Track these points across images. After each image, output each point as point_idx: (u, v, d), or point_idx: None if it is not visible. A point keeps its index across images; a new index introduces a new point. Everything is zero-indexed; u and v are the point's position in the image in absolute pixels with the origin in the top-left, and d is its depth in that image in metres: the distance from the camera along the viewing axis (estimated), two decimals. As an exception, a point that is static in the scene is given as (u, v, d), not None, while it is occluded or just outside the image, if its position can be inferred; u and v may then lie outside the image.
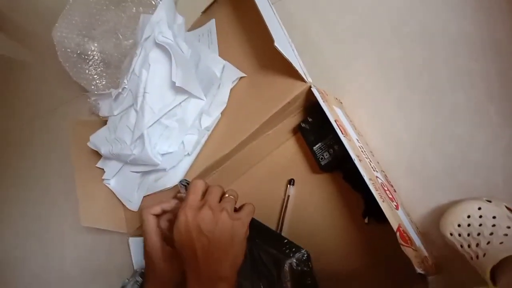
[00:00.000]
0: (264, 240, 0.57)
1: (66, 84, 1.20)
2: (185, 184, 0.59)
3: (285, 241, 0.57)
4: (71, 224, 1.11)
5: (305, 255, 0.58)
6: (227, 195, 0.53)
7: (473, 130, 0.56)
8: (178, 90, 0.70)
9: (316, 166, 0.67)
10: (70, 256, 1.10)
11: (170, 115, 0.71)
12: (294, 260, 0.58)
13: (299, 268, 0.58)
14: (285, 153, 0.73)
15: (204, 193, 0.52)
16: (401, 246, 0.49)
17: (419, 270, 0.47)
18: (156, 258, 0.55)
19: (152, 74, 0.70)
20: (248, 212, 0.52)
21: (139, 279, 0.59)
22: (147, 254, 0.56)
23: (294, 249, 0.58)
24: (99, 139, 0.79)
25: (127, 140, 0.73)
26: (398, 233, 0.49)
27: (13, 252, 1.24)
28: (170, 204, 0.59)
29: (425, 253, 0.53)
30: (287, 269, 0.58)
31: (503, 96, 0.55)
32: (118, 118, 0.77)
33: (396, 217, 0.52)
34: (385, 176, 0.61)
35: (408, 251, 0.48)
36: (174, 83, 0.67)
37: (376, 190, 0.52)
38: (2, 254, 1.26)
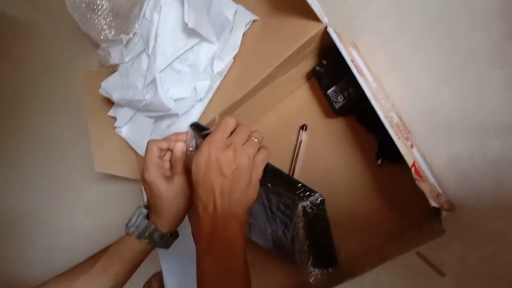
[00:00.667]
0: (278, 184, 0.57)
1: (74, 39, 1.20)
2: (195, 127, 0.58)
3: (299, 185, 0.57)
4: (83, 176, 1.13)
5: (319, 199, 0.58)
6: (252, 138, 0.53)
7: (492, 70, 0.55)
8: (190, 33, 0.68)
9: (330, 111, 0.66)
10: (82, 207, 1.12)
11: (182, 60, 0.70)
12: (308, 203, 0.58)
13: (313, 211, 0.58)
14: (298, 99, 0.73)
15: (232, 132, 0.52)
16: (416, 181, 0.49)
17: (433, 204, 0.47)
18: (155, 188, 0.56)
19: (164, 17, 0.69)
20: (264, 158, 0.52)
21: (144, 210, 0.60)
22: (145, 182, 0.57)
23: (308, 193, 0.58)
24: (110, 86, 0.78)
25: (139, 86, 0.73)
26: (413, 168, 0.49)
27: (26, 206, 1.27)
28: (176, 145, 0.58)
29: (439, 190, 0.53)
30: (300, 211, 0.59)
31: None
32: (129, 64, 0.76)
33: (411, 154, 0.52)
34: (400, 118, 0.61)
35: (423, 185, 0.49)
36: (186, 26, 0.66)
37: (392, 128, 0.52)
38: (17, 209, 1.29)
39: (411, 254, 0.59)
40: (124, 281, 0.60)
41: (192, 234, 0.72)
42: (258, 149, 0.53)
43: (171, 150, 0.59)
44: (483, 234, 0.55)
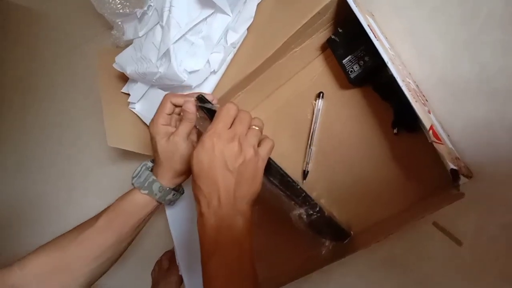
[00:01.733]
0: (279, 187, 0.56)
1: (87, 24, 1.21)
2: (200, 100, 0.56)
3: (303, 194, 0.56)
4: (95, 158, 1.13)
5: (317, 208, 0.57)
6: (253, 126, 0.51)
7: (510, 37, 0.54)
8: (204, 4, 0.68)
9: (345, 81, 0.65)
10: (94, 188, 1.13)
11: (196, 31, 0.70)
12: (303, 211, 0.58)
13: (309, 217, 0.58)
14: (313, 72, 0.72)
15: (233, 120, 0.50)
16: (434, 144, 0.48)
17: (452, 166, 0.46)
18: (154, 142, 0.57)
19: (179, -12, 0.68)
20: (269, 149, 0.51)
21: (149, 164, 0.61)
22: (150, 134, 0.58)
23: (306, 201, 0.57)
24: (124, 59, 0.78)
25: (153, 58, 0.73)
26: (431, 131, 0.48)
27: (38, 190, 1.28)
28: (186, 104, 0.56)
29: (457, 155, 0.52)
30: (297, 216, 0.58)
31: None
32: (143, 37, 0.76)
33: (428, 118, 0.51)
34: (417, 86, 0.60)
35: (441, 147, 0.48)
36: (200, -4, 0.66)
37: (409, 91, 0.51)
38: (28, 193, 1.31)
39: (427, 224, 0.58)
40: (129, 237, 0.59)
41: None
42: (263, 140, 0.51)
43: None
44: (502, 202, 0.54)
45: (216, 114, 0.50)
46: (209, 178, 0.47)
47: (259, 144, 0.50)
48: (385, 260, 0.64)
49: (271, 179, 0.54)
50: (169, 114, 0.58)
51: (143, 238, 0.99)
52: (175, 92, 0.76)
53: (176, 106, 0.58)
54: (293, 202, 0.56)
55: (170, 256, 0.88)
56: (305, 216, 0.57)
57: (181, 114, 0.57)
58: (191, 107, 0.56)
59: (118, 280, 1.02)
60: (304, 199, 0.56)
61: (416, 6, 0.61)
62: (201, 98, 0.56)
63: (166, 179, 0.58)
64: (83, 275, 0.55)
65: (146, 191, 0.58)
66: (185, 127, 0.56)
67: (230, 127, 0.49)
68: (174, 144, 0.56)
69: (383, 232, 0.55)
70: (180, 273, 0.78)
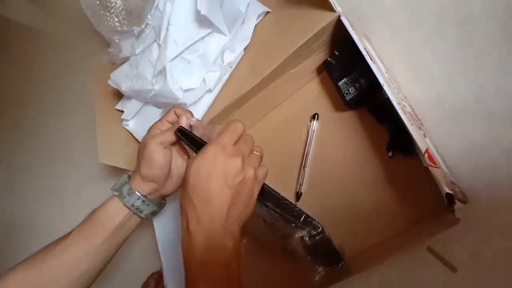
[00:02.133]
0: (274, 208, 0.55)
1: (85, 40, 1.21)
2: (182, 133, 0.55)
3: (297, 209, 0.55)
4: (87, 176, 1.12)
5: (318, 229, 0.56)
6: (255, 151, 0.50)
7: (507, 59, 0.54)
8: (202, 23, 0.68)
9: (341, 103, 0.65)
10: (85, 207, 1.10)
11: (193, 50, 0.70)
12: (306, 233, 0.56)
13: (312, 238, 0.56)
14: (309, 93, 0.72)
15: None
16: (429, 167, 0.48)
17: (447, 190, 0.45)
18: (148, 147, 0.55)
19: (177, 7, 0.69)
20: (265, 174, 0.50)
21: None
22: (142, 144, 0.57)
23: (306, 221, 0.55)
24: (119, 76, 0.78)
25: (149, 76, 0.73)
26: (426, 155, 0.48)
27: (28, 209, 1.26)
28: (182, 118, 0.56)
29: (452, 179, 0.52)
30: (298, 239, 0.57)
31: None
32: (140, 55, 0.76)
33: (424, 141, 0.50)
34: (412, 109, 0.60)
35: (437, 171, 0.47)
36: (198, 16, 0.66)
37: (405, 114, 0.50)
38: (19, 214, 1.28)
39: (422, 250, 0.57)
40: (105, 249, 0.56)
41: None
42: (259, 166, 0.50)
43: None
44: (498, 227, 0.53)
45: (223, 128, 0.49)
46: (204, 191, 0.44)
47: None
48: (379, 286, 0.62)
49: (267, 203, 0.52)
50: (170, 123, 0.57)
51: (129, 258, 0.97)
52: (170, 110, 0.75)
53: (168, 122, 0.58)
54: (293, 225, 0.55)
55: (157, 277, 0.85)
56: (307, 238, 0.55)
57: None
58: (183, 120, 0.55)
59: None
60: (305, 220, 0.55)
61: (413, 29, 0.62)
62: (183, 132, 0.54)
63: (135, 181, 0.57)
64: None
65: (117, 193, 0.56)
66: (168, 135, 0.55)
67: (235, 144, 0.48)
68: (147, 145, 0.55)
69: (377, 257, 0.54)
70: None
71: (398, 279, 0.60)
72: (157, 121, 0.58)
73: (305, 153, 0.70)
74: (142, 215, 0.59)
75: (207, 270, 0.43)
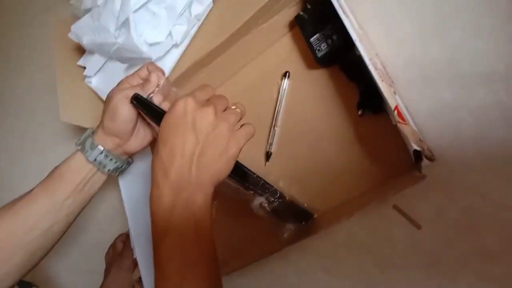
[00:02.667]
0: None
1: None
2: (138, 101, 0.52)
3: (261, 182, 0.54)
4: (51, 135, 1.07)
5: (276, 196, 0.55)
6: (233, 107, 0.48)
7: (480, 17, 0.53)
8: (168, -29, 0.64)
9: (312, 61, 0.64)
10: (49, 167, 1.06)
11: (158, 1, 0.66)
12: (264, 200, 0.55)
13: (271, 204, 0.55)
14: (280, 50, 0.70)
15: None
16: (398, 124, 0.47)
17: (415, 147, 0.45)
18: (114, 102, 0.52)
19: (141, -48, 0.64)
20: (247, 133, 0.47)
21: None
22: (109, 98, 0.54)
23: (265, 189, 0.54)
24: (81, 29, 0.73)
25: (111, 28, 0.68)
26: (395, 111, 0.47)
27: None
28: (152, 76, 0.54)
29: (421, 136, 0.51)
30: (257, 205, 0.56)
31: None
32: (102, 5, 0.71)
33: (393, 98, 0.50)
34: (384, 67, 0.58)
35: (405, 128, 0.47)
36: (164, -37, 0.62)
37: (376, 70, 0.49)
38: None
39: (388, 207, 0.58)
40: (68, 206, 0.55)
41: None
42: (243, 124, 0.48)
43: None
44: (463, 185, 0.54)
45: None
46: (171, 141, 0.42)
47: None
48: (346, 242, 0.63)
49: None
50: (142, 79, 0.56)
51: (96, 219, 0.95)
52: (134, 66, 0.71)
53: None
54: (252, 192, 0.54)
55: (124, 238, 0.84)
56: (266, 204, 0.55)
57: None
58: (154, 78, 0.54)
59: (69, 262, 0.98)
60: (263, 187, 0.53)
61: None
62: (137, 98, 0.51)
63: (98, 135, 0.55)
64: (18, 252, 0.51)
65: (80, 147, 0.55)
66: (133, 89, 0.52)
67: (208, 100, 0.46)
68: (113, 97, 0.53)
69: (344, 214, 0.55)
70: (134, 257, 0.74)
71: (365, 235, 0.61)
72: (129, 74, 0.56)
73: (276, 112, 0.68)
74: (106, 171, 0.57)
75: (174, 225, 0.41)
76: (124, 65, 0.72)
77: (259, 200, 0.55)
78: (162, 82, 0.54)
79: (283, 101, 0.68)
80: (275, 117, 0.68)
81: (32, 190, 0.54)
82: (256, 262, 0.62)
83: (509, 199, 0.52)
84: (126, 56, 0.69)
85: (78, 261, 0.98)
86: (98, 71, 0.78)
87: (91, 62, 0.77)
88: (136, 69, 0.71)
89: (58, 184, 0.54)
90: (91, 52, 0.77)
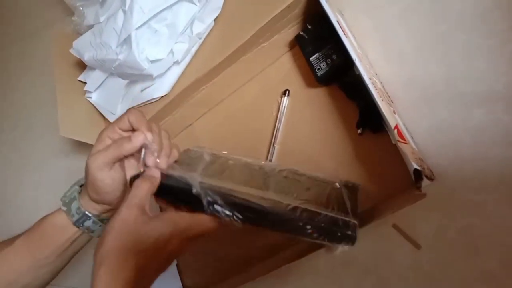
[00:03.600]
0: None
1: (48, 7, 1.14)
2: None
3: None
4: (49, 149, 1.07)
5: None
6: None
7: (478, 38, 0.54)
8: (170, -10, 0.65)
9: (312, 79, 0.64)
10: (45, 181, 1.06)
11: (160, 19, 0.67)
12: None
13: None
14: (280, 68, 0.70)
15: None
16: (398, 143, 0.47)
17: (415, 166, 0.45)
18: (93, 172, 0.46)
19: (144, -29, 0.65)
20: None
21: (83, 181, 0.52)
22: (88, 165, 0.47)
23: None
24: (82, 45, 0.74)
25: (113, 45, 0.69)
26: (395, 130, 0.48)
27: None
28: (136, 136, 0.46)
29: (421, 156, 0.52)
30: None
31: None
32: (104, 22, 0.72)
33: (393, 117, 0.50)
34: (383, 87, 0.59)
35: (405, 147, 0.47)
36: (166, -18, 0.63)
37: (375, 90, 0.50)
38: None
39: (387, 226, 0.58)
40: (49, 264, 0.51)
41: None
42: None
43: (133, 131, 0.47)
44: (462, 205, 0.54)
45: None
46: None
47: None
48: (344, 261, 0.62)
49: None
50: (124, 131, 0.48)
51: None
52: (135, 82, 0.72)
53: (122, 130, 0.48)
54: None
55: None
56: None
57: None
58: (138, 140, 0.45)
59: (63, 278, 0.96)
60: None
61: (387, 5, 0.61)
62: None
63: (85, 200, 0.50)
64: None
65: (65, 208, 0.50)
66: (112, 152, 0.46)
67: None
68: (88, 168, 0.47)
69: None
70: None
71: (364, 254, 0.60)
72: (108, 127, 0.48)
73: (275, 129, 0.68)
74: (94, 235, 0.53)
75: None
76: (125, 82, 0.73)
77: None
78: (149, 138, 0.46)
79: (283, 119, 0.68)
80: (274, 135, 0.68)
81: (14, 241, 0.50)
82: (253, 280, 0.62)
83: (509, 220, 0.52)
84: (127, 73, 0.69)
85: (73, 277, 0.97)
86: (98, 86, 0.78)
87: (92, 78, 0.78)
88: (137, 86, 0.72)
89: (40, 242, 0.50)
90: (92, 68, 0.78)
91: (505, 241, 0.52)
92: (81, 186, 0.52)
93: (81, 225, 0.51)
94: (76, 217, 0.50)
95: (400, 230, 0.57)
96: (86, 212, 0.50)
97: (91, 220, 0.51)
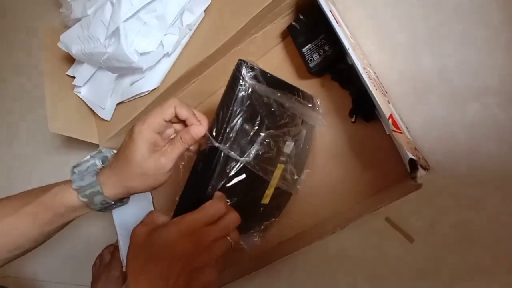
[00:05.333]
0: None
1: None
2: None
3: None
4: (38, 145, 1.05)
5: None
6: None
7: (473, 31, 0.53)
8: (159, -19, 0.64)
9: (304, 71, 0.63)
10: (36, 178, 1.04)
11: (149, 10, 0.65)
12: None
13: None
14: (272, 60, 0.69)
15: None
16: (393, 133, 0.46)
17: (410, 155, 0.44)
18: (134, 147, 0.46)
19: (131, -38, 0.64)
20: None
21: (98, 163, 0.52)
22: (131, 133, 0.47)
23: None
24: (70, 38, 0.72)
25: (101, 37, 0.67)
26: (390, 120, 0.47)
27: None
28: (193, 127, 0.48)
29: (416, 146, 0.51)
30: None
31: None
32: (92, 15, 0.70)
33: (388, 107, 0.49)
34: (377, 77, 0.58)
35: (400, 136, 0.46)
36: (155, -27, 0.62)
37: (369, 79, 0.49)
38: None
39: (380, 219, 0.57)
40: (51, 233, 0.53)
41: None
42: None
43: (185, 125, 0.50)
44: (455, 200, 0.53)
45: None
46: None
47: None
48: (337, 254, 0.62)
49: None
50: (167, 122, 0.48)
51: (85, 229, 0.92)
52: (124, 76, 0.71)
53: (177, 117, 0.49)
54: None
55: (112, 250, 0.82)
56: None
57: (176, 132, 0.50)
58: (199, 131, 0.48)
59: (55, 274, 0.95)
60: None
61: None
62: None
63: (114, 192, 0.50)
64: None
65: (86, 200, 0.50)
66: (178, 150, 0.48)
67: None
68: (157, 164, 0.47)
69: (336, 226, 0.53)
70: (123, 270, 0.72)
71: (357, 248, 0.60)
72: (152, 118, 0.47)
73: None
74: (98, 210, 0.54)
75: None
76: (114, 75, 0.71)
77: None
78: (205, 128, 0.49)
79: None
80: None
81: (21, 209, 0.50)
82: (247, 275, 0.61)
83: (502, 214, 0.51)
84: (116, 66, 0.67)
85: (64, 273, 0.95)
86: (87, 81, 0.76)
87: (80, 72, 0.76)
88: (126, 79, 0.71)
89: (52, 219, 0.51)
90: (80, 62, 0.76)
91: (498, 236, 0.51)
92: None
93: (104, 210, 0.53)
94: (99, 207, 0.51)
95: (393, 223, 0.56)
96: (113, 203, 0.51)
97: (116, 205, 0.53)
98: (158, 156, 0.47)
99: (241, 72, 0.48)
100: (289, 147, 0.54)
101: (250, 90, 0.48)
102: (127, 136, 0.48)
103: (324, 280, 0.63)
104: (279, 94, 0.51)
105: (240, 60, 0.49)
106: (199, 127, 0.48)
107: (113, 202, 0.52)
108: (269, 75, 0.51)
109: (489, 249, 0.52)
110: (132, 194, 0.52)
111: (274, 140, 0.52)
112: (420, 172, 0.46)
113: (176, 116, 0.48)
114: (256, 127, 0.50)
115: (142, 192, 0.51)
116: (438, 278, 0.54)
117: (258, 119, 0.50)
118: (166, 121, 0.48)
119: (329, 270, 0.62)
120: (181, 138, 0.48)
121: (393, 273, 0.57)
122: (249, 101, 0.48)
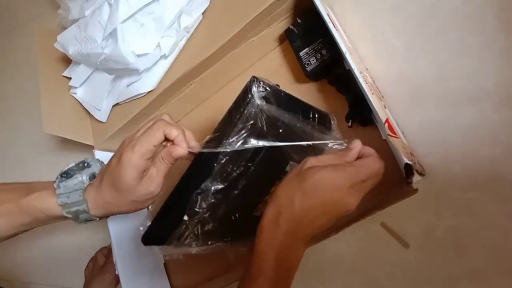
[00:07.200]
0: None
1: (33, 1, 1.12)
2: None
3: None
4: (33, 146, 1.04)
5: None
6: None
7: (468, 37, 0.53)
8: (157, -17, 0.64)
9: (301, 75, 0.63)
10: (30, 178, 1.03)
11: (147, 12, 0.65)
12: None
13: None
14: (270, 63, 0.69)
15: None
16: (389, 137, 0.46)
17: (406, 160, 0.44)
18: (131, 172, 0.45)
19: (130, -36, 0.64)
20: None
21: (85, 178, 0.51)
22: (121, 158, 0.46)
23: None
24: (67, 39, 0.72)
25: (98, 38, 0.67)
26: (386, 124, 0.47)
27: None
28: (177, 148, 0.47)
29: (411, 150, 0.51)
30: None
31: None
32: (89, 15, 0.70)
33: (384, 111, 0.49)
34: (373, 82, 0.58)
35: (396, 141, 0.46)
36: (153, -25, 0.62)
37: (366, 83, 0.49)
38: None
39: (375, 225, 0.57)
40: (23, 232, 0.51)
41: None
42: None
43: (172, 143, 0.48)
44: (451, 204, 0.53)
45: None
46: (320, 204, 0.40)
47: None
48: (332, 259, 0.61)
49: None
50: (155, 146, 0.47)
51: (78, 232, 0.92)
52: (121, 77, 0.70)
53: (166, 138, 0.48)
54: None
55: (106, 252, 0.81)
56: None
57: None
58: (179, 153, 0.47)
59: (48, 277, 0.94)
60: None
61: (377, 1, 0.60)
62: None
63: (100, 212, 0.49)
64: None
65: (70, 216, 0.49)
66: (163, 171, 0.47)
67: None
68: (146, 192, 0.47)
69: (332, 231, 0.53)
70: (116, 273, 0.71)
71: (352, 253, 0.60)
72: (140, 145, 0.46)
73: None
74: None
75: (269, 269, 0.39)
76: (110, 77, 0.71)
77: None
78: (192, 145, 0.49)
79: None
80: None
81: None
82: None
83: (497, 218, 0.51)
84: (113, 67, 0.67)
85: (56, 273, 0.95)
86: (83, 82, 0.76)
87: (77, 73, 0.76)
88: (123, 81, 0.70)
89: (29, 223, 0.49)
90: (77, 63, 0.76)
91: (492, 240, 0.51)
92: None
93: (84, 222, 0.51)
94: (84, 222, 0.50)
95: (388, 228, 0.56)
96: (97, 219, 0.50)
97: (101, 219, 0.51)
98: (147, 185, 0.47)
99: (251, 90, 0.47)
100: (291, 166, 0.52)
101: (257, 109, 0.46)
102: (114, 159, 0.47)
103: (319, 285, 0.62)
104: (290, 117, 0.48)
105: (253, 77, 0.47)
106: (179, 149, 0.47)
107: (98, 219, 0.50)
108: (283, 94, 0.49)
109: (483, 253, 0.52)
110: (116, 213, 0.50)
111: (276, 162, 0.50)
112: (416, 177, 0.46)
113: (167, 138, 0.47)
114: (256, 149, 0.47)
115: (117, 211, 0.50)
116: (433, 283, 0.54)
117: (261, 139, 0.48)
118: (156, 146, 0.47)
119: (324, 274, 0.62)
120: (162, 158, 0.47)
121: (389, 278, 0.57)
122: (253, 121, 0.46)
